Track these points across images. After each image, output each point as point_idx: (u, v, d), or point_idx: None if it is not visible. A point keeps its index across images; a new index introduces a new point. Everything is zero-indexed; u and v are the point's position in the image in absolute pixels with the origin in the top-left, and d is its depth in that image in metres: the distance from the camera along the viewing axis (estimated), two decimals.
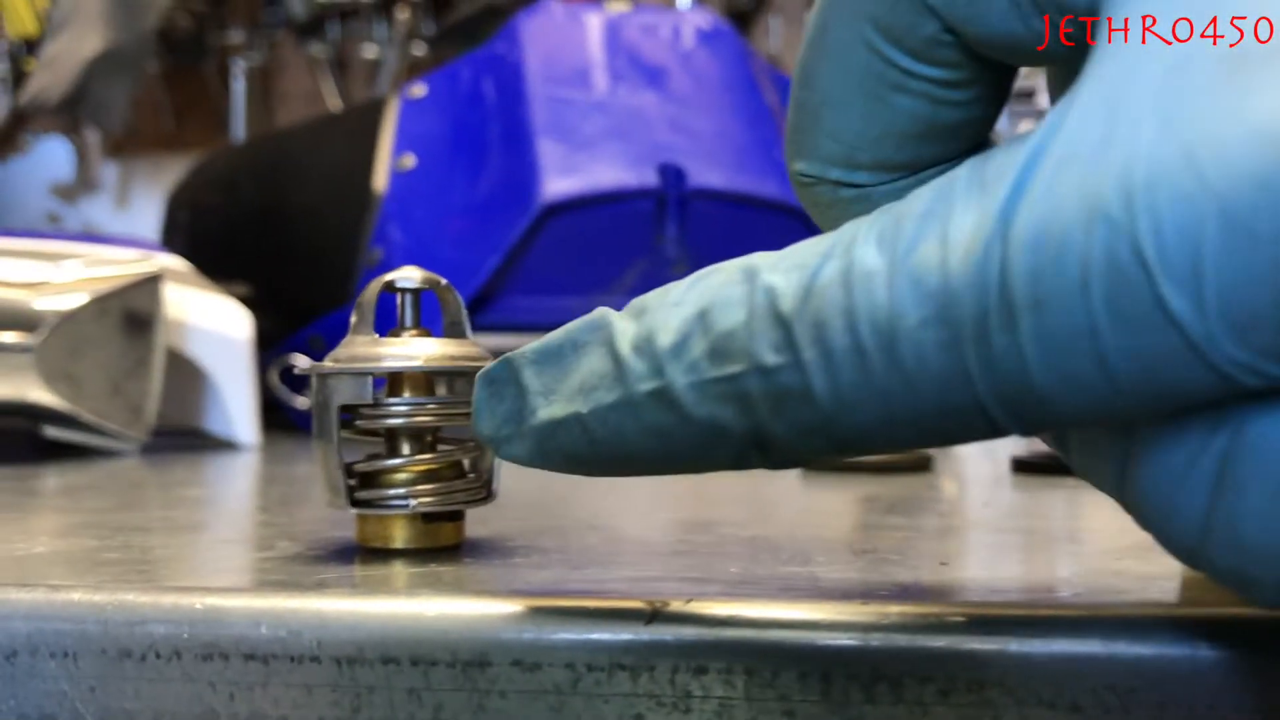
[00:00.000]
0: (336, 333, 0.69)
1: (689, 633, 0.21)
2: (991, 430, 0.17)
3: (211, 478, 0.47)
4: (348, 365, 0.26)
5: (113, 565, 0.25)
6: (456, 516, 0.27)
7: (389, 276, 0.27)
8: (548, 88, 0.70)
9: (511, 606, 0.21)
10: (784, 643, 0.20)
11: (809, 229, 0.59)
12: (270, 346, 0.66)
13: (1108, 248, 0.15)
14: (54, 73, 1.11)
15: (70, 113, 1.13)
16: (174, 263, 0.59)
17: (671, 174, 0.66)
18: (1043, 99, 1.43)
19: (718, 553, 0.27)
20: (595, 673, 0.21)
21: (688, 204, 0.67)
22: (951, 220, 0.16)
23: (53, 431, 0.51)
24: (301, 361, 0.65)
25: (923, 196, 0.17)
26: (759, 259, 0.18)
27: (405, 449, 0.27)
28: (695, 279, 0.19)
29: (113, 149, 1.39)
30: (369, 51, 1.33)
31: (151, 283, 0.53)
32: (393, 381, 0.27)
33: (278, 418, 0.64)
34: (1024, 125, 1.43)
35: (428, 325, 0.28)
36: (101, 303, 0.51)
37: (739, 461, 0.19)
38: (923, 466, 0.47)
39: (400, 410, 0.26)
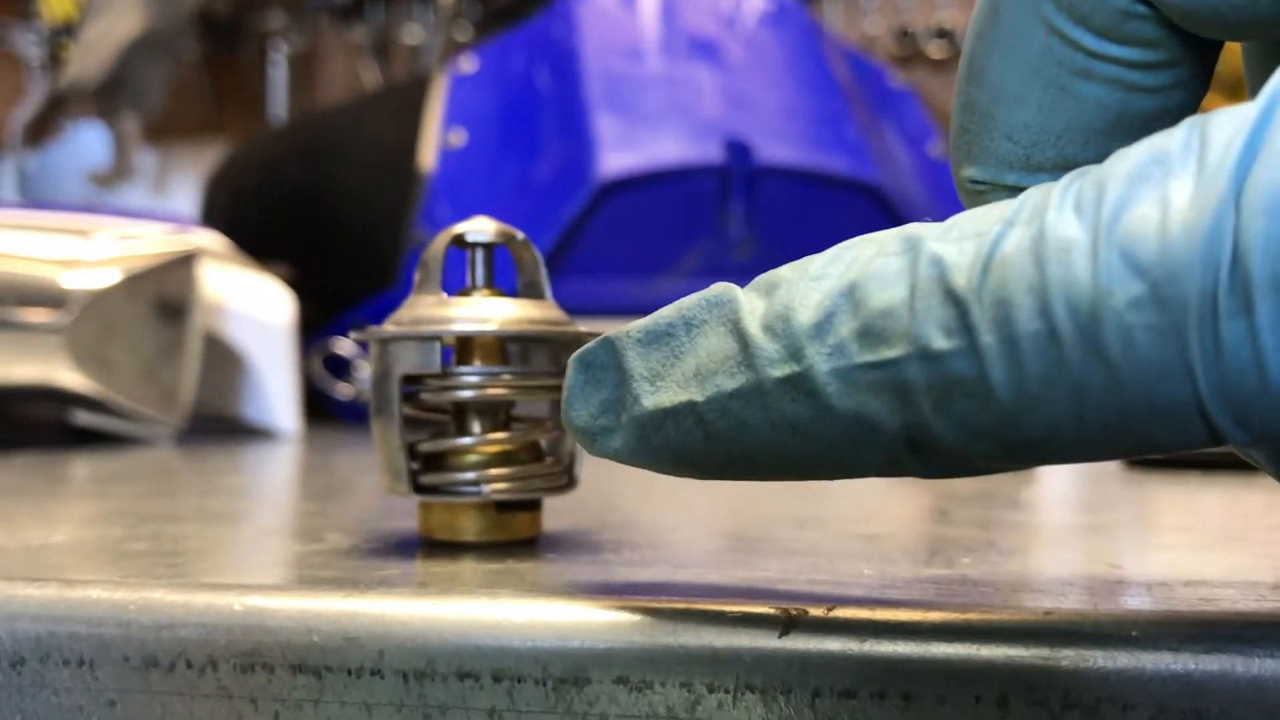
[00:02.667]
0: (381, 317, 0.66)
1: (833, 647, 0.17)
2: (1207, 436, 0.14)
3: (251, 466, 0.43)
4: (412, 329, 0.22)
5: (139, 558, 0.22)
6: (533, 506, 0.24)
7: (459, 229, 0.24)
8: (604, 61, 0.67)
9: (615, 611, 0.17)
10: (951, 660, 0.17)
11: (883, 210, 0.54)
12: (312, 333, 0.63)
13: None
14: (92, 56, 1.09)
15: (108, 97, 1.11)
16: (212, 240, 0.56)
17: (737, 149, 0.62)
18: None
19: (840, 551, 0.23)
20: (718, 694, 0.17)
21: (754, 181, 0.63)
22: (1170, 183, 0.13)
23: (83, 417, 0.48)
24: (343, 346, 0.62)
25: (1130, 156, 0.14)
26: (920, 228, 0.15)
27: (476, 427, 0.23)
28: (839, 250, 0.16)
29: (150, 135, 1.37)
30: (411, 36, 1.30)
31: (187, 261, 0.50)
32: (461, 349, 0.23)
33: (318, 407, 0.61)
34: None
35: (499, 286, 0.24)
36: (135, 281, 0.48)
37: (886, 466, 0.16)
38: None
39: (472, 381, 0.23)
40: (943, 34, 1.31)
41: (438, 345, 0.22)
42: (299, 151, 0.77)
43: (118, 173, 1.33)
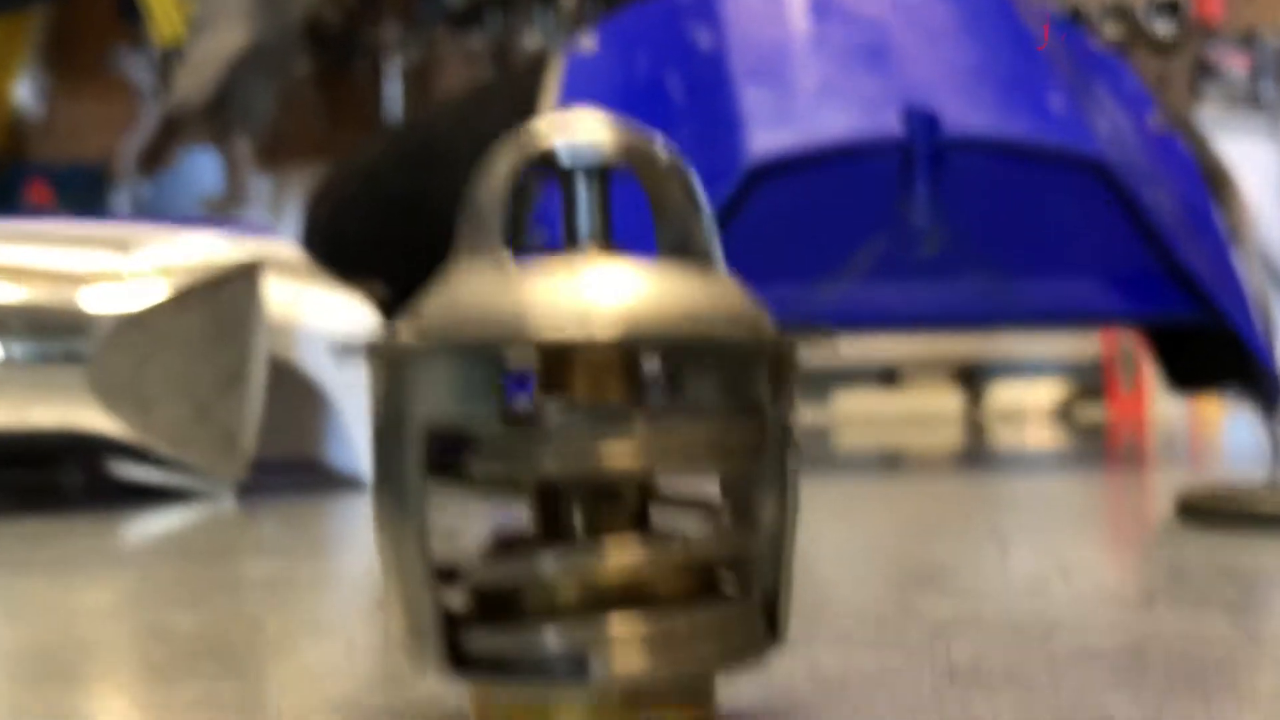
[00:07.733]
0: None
1: None
2: None
3: (326, 536, 0.33)
4: (450, 333, 0.11)
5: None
6: (699, 695, 0.12)
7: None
8: (751, 25, 0.56)
9: None
10: None
11: (1108, 188, 0.41)
12: None
13: None
14: (198, 74, 1.04)
15: (217, 116, 1.06)
16: (282, 250, 0.46)
17: (920, 120, 0.50)
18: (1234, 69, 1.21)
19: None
20: None
21: (942, 157, 0.51)
22: None
23: (120, 469, 0.39)
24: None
25: None
26: None
27: (578, 523, 0.12)
28: None
29: (264, 157, 1.33)
30: (531, 40, 1.23)
31: (247, 275, 0.40)
32: (549, 368, 0.12)
33: None
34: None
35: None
36: (180, 300, 0.39)
37: None
38: None
39: (570, 434, 0.11)
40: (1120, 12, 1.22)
41: (496, 364, 0.11)
42: (403, 156, 0.70)
43: (231, 197, 1.28)
